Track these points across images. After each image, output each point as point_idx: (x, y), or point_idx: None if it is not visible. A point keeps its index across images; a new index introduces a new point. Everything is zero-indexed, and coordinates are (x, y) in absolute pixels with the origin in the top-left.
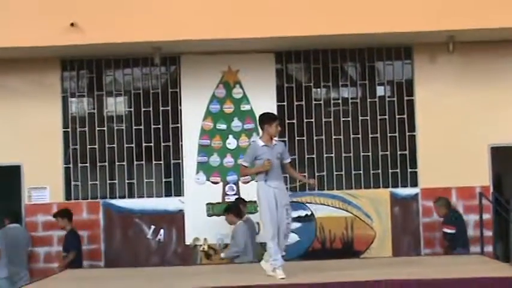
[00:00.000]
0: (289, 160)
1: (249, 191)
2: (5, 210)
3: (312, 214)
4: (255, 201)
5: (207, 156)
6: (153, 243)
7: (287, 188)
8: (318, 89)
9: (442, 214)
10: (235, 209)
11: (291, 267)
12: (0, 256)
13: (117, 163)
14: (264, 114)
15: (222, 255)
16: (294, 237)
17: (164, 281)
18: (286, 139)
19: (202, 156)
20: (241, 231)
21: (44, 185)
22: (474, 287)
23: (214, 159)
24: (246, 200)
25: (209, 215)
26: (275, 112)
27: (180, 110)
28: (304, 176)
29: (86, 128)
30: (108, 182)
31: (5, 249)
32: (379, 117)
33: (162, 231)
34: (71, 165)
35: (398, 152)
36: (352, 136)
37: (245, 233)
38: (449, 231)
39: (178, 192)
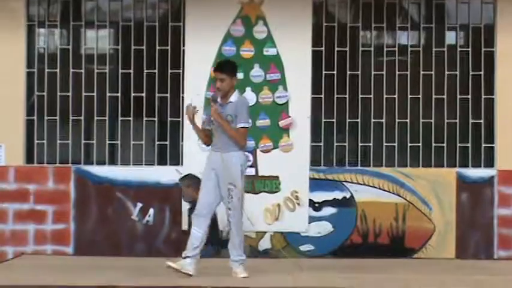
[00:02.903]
0: (239, 126)
1: (268, 162)
2: None
3: (352, 197)
4: (275, 177)
5: None
6: (139, 225)
7: (319, 161)
8: (367, 32)
9: (192, 197)
10: None
11: (314, 265)
12: None
13: (96, 117)
14: None
15: None
16: (326, 227)
17: (151, 276)
18: (322, 96)
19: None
20: None
21: None
22: None
23: None
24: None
25: None
26: (309, 60)
27: (183, 50)
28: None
29: (57, 69)
30: (83, 142)
31: None
32: (446, 72)
33: (151, 210)
34: (35, 118)
35: (471, 121)
36: (409, 96)
37: None
38: None
39: (176, 160)
